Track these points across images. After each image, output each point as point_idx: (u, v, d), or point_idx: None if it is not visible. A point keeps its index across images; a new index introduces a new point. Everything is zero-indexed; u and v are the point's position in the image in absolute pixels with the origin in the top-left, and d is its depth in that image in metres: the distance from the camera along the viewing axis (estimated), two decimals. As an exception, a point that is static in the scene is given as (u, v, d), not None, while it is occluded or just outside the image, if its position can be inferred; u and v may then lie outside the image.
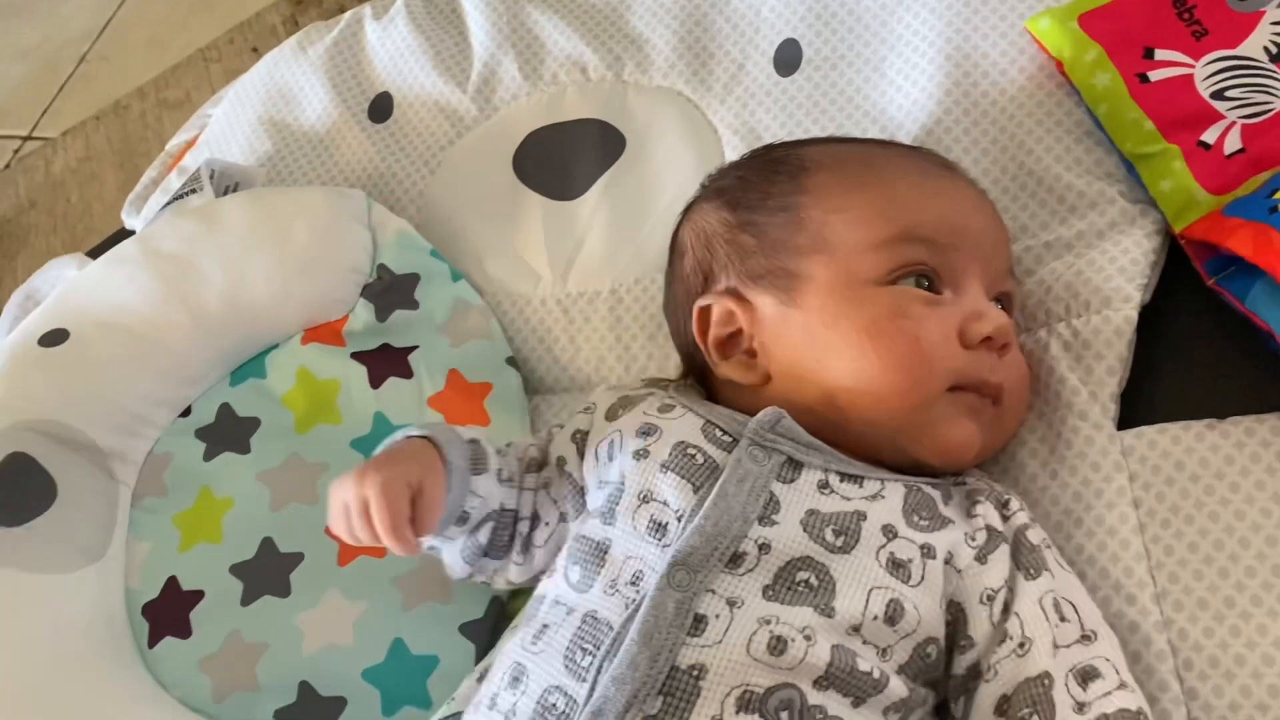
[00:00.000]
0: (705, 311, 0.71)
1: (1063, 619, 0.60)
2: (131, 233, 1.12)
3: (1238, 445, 0.66)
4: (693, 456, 0.62)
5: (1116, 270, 0.72)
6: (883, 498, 0.61)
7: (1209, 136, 0.73)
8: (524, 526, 0.71)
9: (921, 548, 0.60)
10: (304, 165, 1.07)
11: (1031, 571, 0.61)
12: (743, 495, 0.60)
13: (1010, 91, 0.82)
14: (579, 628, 0.58)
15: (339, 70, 1.10)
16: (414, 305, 0.90)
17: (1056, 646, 0.58)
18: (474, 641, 0.78)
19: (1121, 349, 0.70)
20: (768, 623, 0.55)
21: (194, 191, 0.97)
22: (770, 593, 0.57)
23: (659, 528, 0.60)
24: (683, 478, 0.61)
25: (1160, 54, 0.76)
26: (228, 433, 0.89)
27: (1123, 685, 0.58)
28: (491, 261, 0.95)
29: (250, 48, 1.49)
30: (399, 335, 0.90)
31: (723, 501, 0.59)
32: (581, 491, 0.70)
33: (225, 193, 0.98)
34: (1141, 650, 0.62)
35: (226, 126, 1.13)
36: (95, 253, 1.04)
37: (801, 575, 0.57)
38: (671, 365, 0.84)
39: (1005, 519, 0.64)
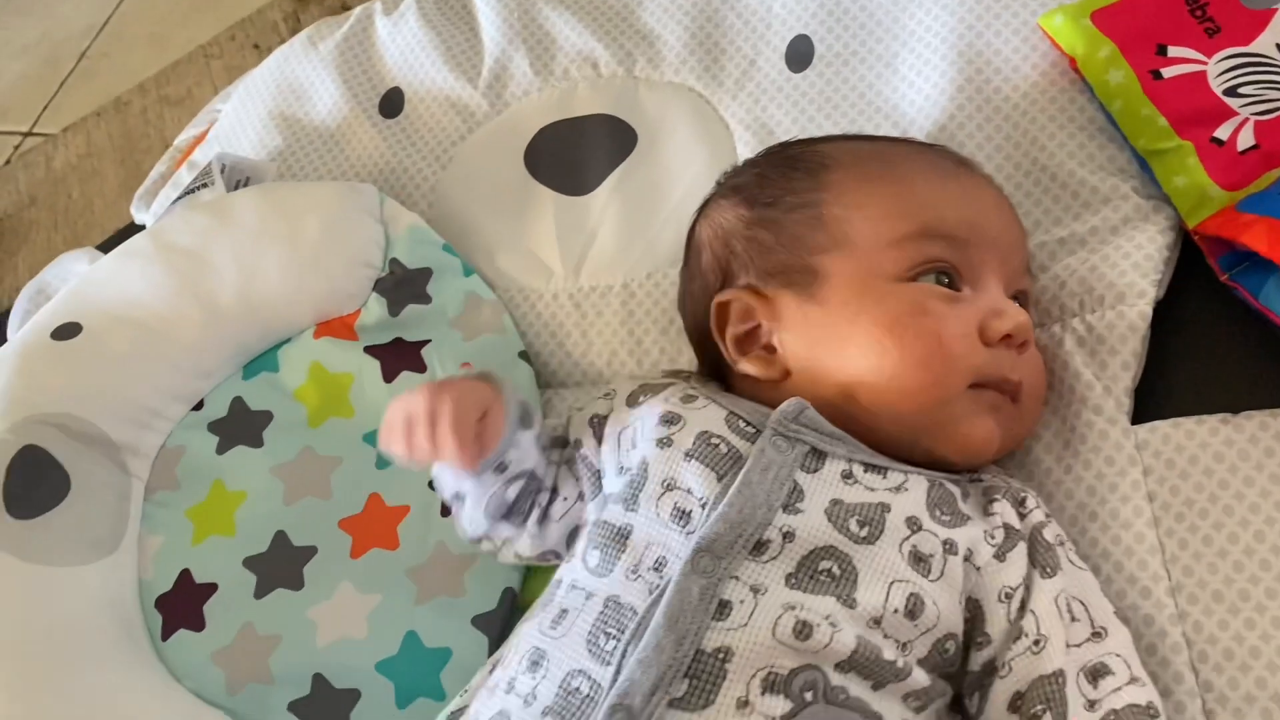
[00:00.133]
0: (724, 307, 0.71)
1: (1074, 618, 0.60)
2: (140, 227, 1.12)
3: (1252, 440, 0.66)
4: (716, 446, 0.63)
5: (1130, 266, 0.73)
6: (906, 490, 0.61)
7: (1222, 133, 0.73)
8: (543, 498, 0.72)
9: (944, 543, 0.60)
10: (315, 160, 1.07)
11: (1048, 570, 0.61)
12: (766, 483, 0.60)
13: (1023, 88, 0.82)
14: (601, 612, 0.58)
15: (349, 66, 1.10)
16: (426, 300, 0.90)
17: (1069, 645, 0.59)
18: (486, 634, 0.78)
19: (1135, 344, 0.71)
20: (793, 608, 0.55)
21: (205, 186, 0.97)
22: (793, 580, 0.57)
23: (683, 515, 0.60)
24: (706, 466, 0.62)
25: (1173, 51, 0.76)
26: (240, 426, 0.89)
27: (1134, 680, 0.58)
28: (503, 256, 0.95)
29: (251, 44, 1.49)
30: (412, 329, 0.90)
31: (747, 489, 0.60)
32: (597, 475, 0.70)
33: (236, 187, 0.98)
34: (1156, 643, 0.62)
35: (236, 121, 1.13)
36: (105, 247, 1.04)
37: (824, 564, 0.58)
38: (684, 360, 0.85)
39: (1022, 517, 0.64)
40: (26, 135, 1.68)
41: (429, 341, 0.89)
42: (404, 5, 1.12)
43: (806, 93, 0.91)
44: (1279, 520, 0.64)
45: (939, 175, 0.70)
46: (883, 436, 0.64)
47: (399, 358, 0.89)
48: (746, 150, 0.90)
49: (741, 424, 0.65)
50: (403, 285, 0.91)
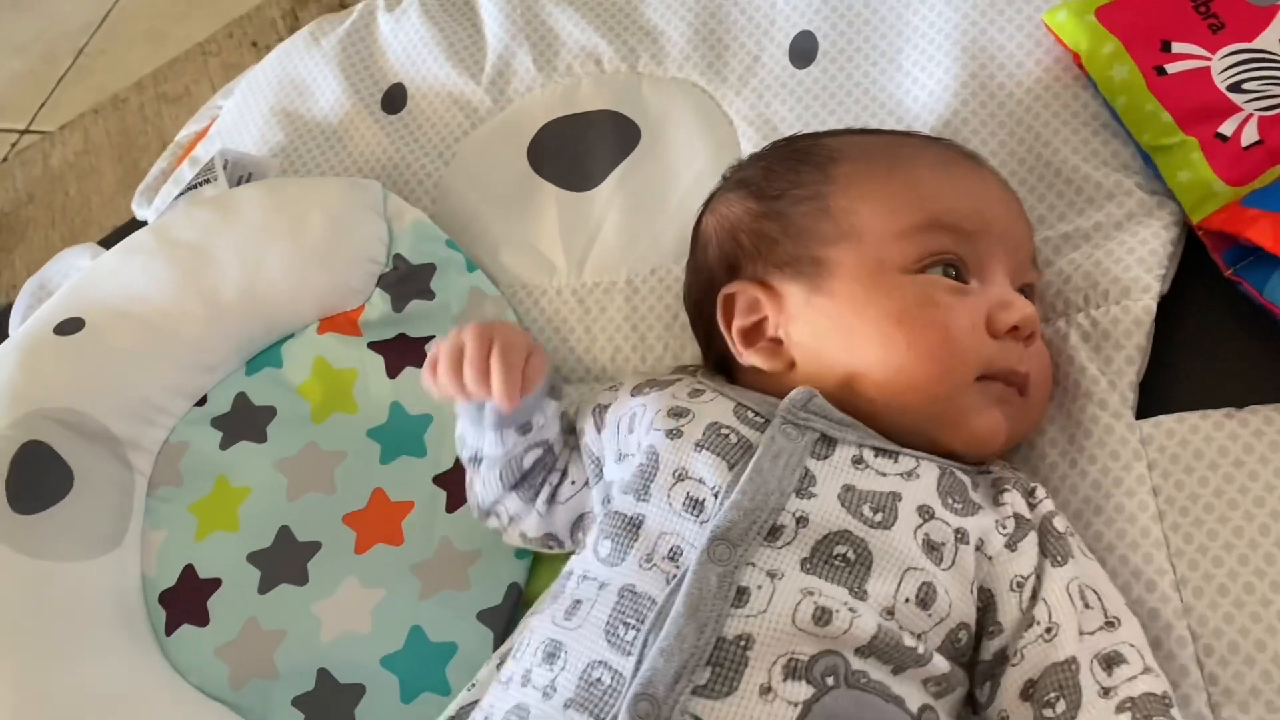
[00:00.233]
0: (730, 300, 0.71)
1: (1086, 606, 0.60)
2: (141, 224, 1.12)
3: (1256, 434, 0.66)
4: (726, 436, 0.63)
5: (1135, 261, 0.73)
6: (917, 476, 0.62)
7: (1226, 128, 0.73)
8: (554, 478, 0.74)
9: (956, 531, 0.60)
10: (317, 156, 1.06)
11: (1058, 558, 0.62)
12: (778, 470, 0.60)
13: (1027, 84, 0.82)
14: (618, 602, 0.58)
15: (352, 61, 1.10)
16: (430, 295, 0.90)
17: (1082, 633, 0.59)
18: (492, 628, 0.78)
19: (1140, 339, 0.71)
20: (811, 594, 0.56)
21: (208, 181, 0.96)
22: (808, 565, 0.57)
23: (696, 505, 0.61)
24: (718, 455, 0.62)
25: (1177, 47, 0.76)
26: (244, 422, 0.89)
27: (1147, 670, 0.58)
28: (507, 252, 0.95)
29: (250, 42, 1.48)
30: (415, 325, 0.90)
31: (758, 476, 0.60)
32: (597, 462, 0.72)
33: (239, 183, 0.98)
34: (1162, 636, 0.63)
35: (239, 117, 1.13)
36: (106, 244, 1.04)
37: (839, 549, 0.58)
38: (688, 355, 0.85)
39: (1032, 507, 0.64)
40: (23, 133, 1.68)
41: (433, 337, 0.89)
42: (406, 1, 1.11)
43: (810, 88, 0.92)
44: (1283, 514, 0.64)
45: (946, 168, 0.71)
46: (889, 428, 0.65)
47: (403, 353, 0.89)
48: (750, 146, 0.90)
49: (750, 414, 0.65)
50: (406, 281, 0.91)
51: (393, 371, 0.89)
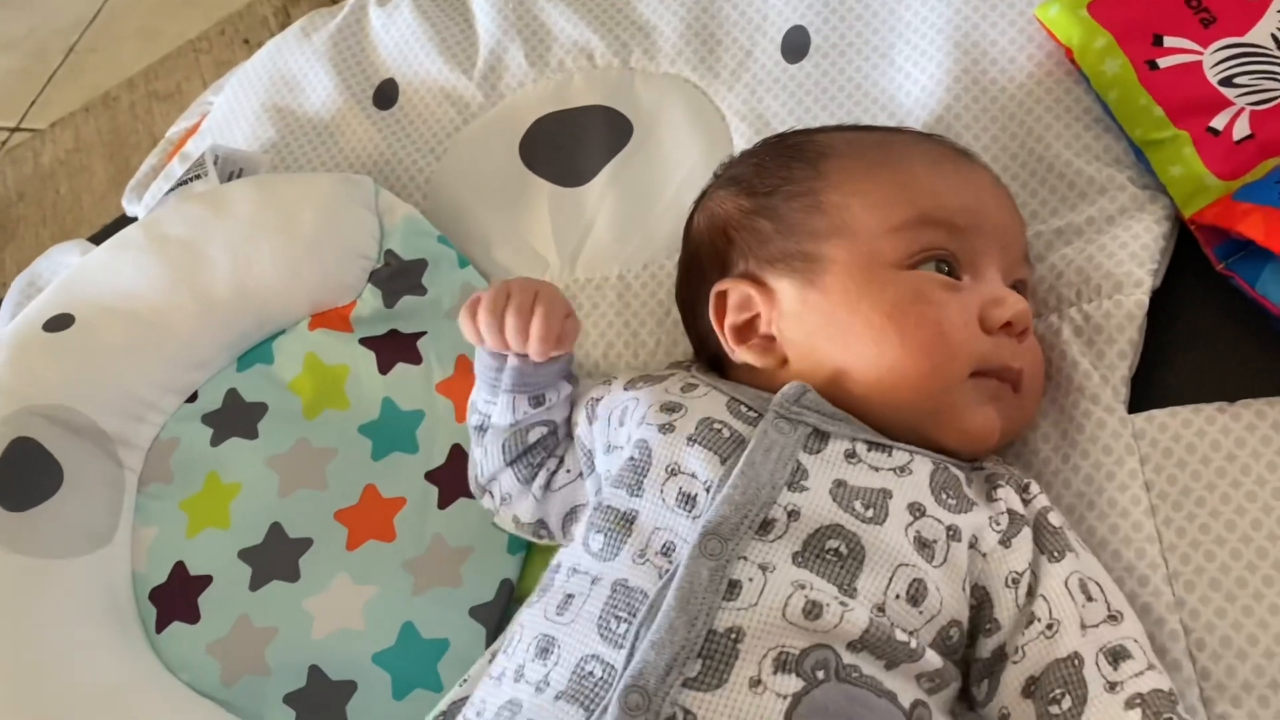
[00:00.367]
0: (722, 296, 0.71)
1: (1089, 599, 0.60)
2: (131, 220, 1.11)
3: (1248, 428, 0.66)
4: (719, 431, 0.63)
5: (1127, 255, 0.73)
6: (910, 472, 0.61)
7: (1218, 123, 0.73)
8: (553, 463, 0.75)
9: (948, 529, 0.60)
10: (308, 152, 1.06)
11: (1055, 554, 0.62)
12: (770, 464, 0.60)
13: (1019, 79, 0.82)
14: (610, 596, 0.58)
15: (343, 57, 1.10)
16: (422, 291, 0.90)
17: (1084, 626, 0.59)
18: (484, 624, 0.78)
19: (1133, 333, 0.71)
20: (802, 587, 0.56)
21: (198, 177, 0.96)
22: (800, 559, 0.57)
23: (688, 499, 0.60)
24: (709, 450, 0.62)
25: (1169, 41, 0.76)
26: (235, 418, 0.89)
27: (1151, 666, 0.58)
28: (499, 248, 0.95)
29: (241, 39, 1.48)
30: (407, 321, 0.90)
31: (750, 470, 0.60)
32: (589, 454, 0.73)
33: (230, 178, 0.98)
34: (1154, 631, 0.62)
35: (229, 113, 1.12)
36: (96, 240, 1.03)
37: (831, 543, 0.58)
38: (680, 351, 0.85)
39: (1026, 502, 0.64)
40: (14, 131, 1.67)
41: (424, 333, 0.89)
42: (397, -4, 1.11)
43: (803, 84, 0.91)
44: (1275, 508, 0.64)
45: (938, 163, 0.70)
46: (882, 425, 0.64)
47: (394, 349, 0.89)
48: (742, 141, 0.90)
49: (743, 409, 0.65)
50: (398, 277, 0.91)
51: (384, 367, 0.88)
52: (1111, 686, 0.57)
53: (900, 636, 0.56)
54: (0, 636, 0.75)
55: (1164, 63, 0.76)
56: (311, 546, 0.82)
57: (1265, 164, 0.72)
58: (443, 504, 0.83)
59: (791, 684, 0.53)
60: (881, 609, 0.57)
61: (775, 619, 0.55)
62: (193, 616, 0.81)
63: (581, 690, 0.55)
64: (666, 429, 0.64)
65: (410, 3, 1.09)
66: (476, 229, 0.96)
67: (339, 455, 0.86)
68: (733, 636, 0.54)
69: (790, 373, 0.68)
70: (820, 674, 0.54)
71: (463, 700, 0.66)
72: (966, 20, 0.85)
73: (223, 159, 0.98)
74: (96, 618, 0.79)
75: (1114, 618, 0.60)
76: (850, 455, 0.62)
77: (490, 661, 0.66)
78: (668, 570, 0.58)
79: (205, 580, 0.82)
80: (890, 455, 0.62)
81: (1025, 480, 0.66)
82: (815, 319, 0.67)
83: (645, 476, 0.63)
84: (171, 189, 0.98)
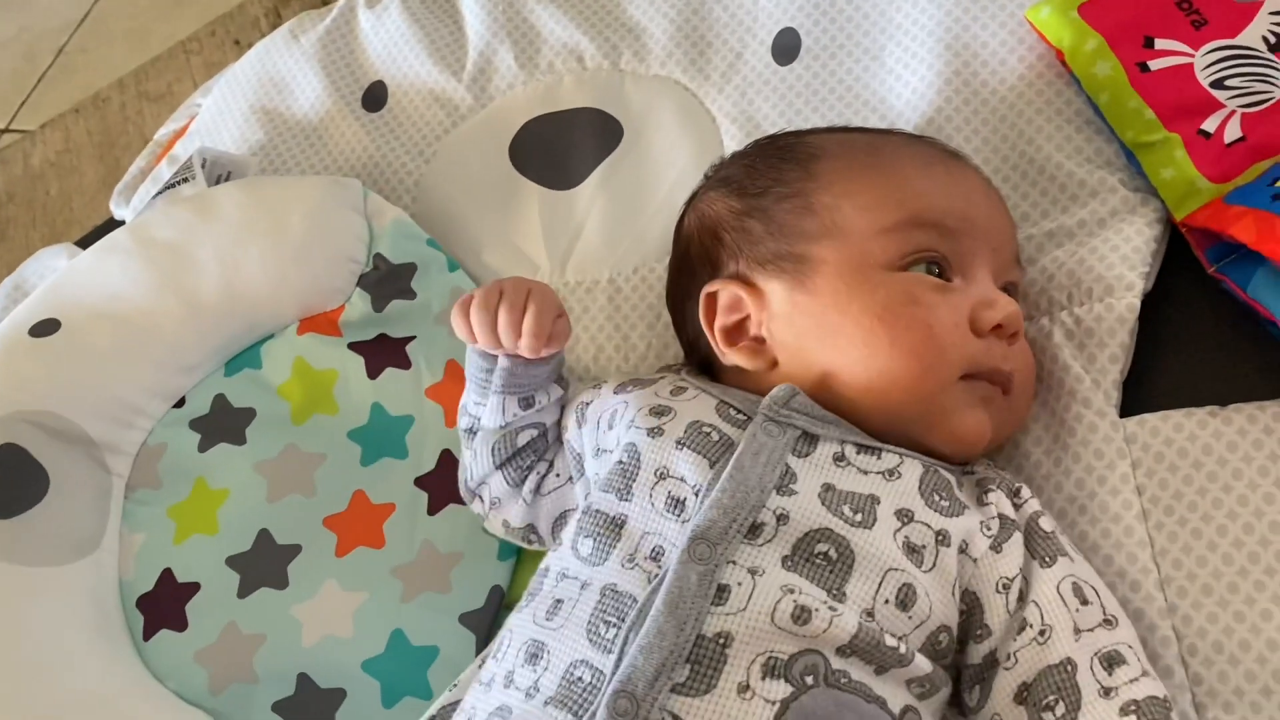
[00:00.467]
0: (712, 298, 0.71)
1: (1084, 602, 0.60)
2: (120, 223, 1.11)
3: (1240, 432, 0.66)
4: (708, 434, 0.63)
5: (1119, 258, 0.73)
6: (899, 475, 0.61)
7: (1209, 125, 0.73)
8: (542, 467, 0.75)
9: (937, 534, 0.60)
10: (297, 154, 1.06)
11: (1047, 559, 0.61)
12: (758, 468, 0.60)
13: (1010, 81, 0.82)
14: (599, 601, 0.58)
15: (332, 59, 1.09)
16: (411, 295, 0.89)
17: (1078, 630, 0.59)
18: (474, 631, 0.78)
19: (1124, 337, 0.71)
20: (791, 591, 0.55)
21: (186, 180, 0.96)
22: (789, 563, 0.57)
23: (677, 504, 0.60)
24: (698, 453, 0.62)
25: (1160, 43, 0.76)
26: (223, 423, 0.88)
27: (1145, 673, 0.58)
28: (489, 251, 0.94)
29: (232, 40, 1.47)
30: (396, 325, 0.89)
31: (739, 474, 0.60)
32: (579, 458, 0.72)
33: (218, 181, 0.97)
34: (1146, 636, 0.62)
35: (217, 115, 1.12)
36: (84, 243, 1.03)
37: (821, 547, 0.57)
38: (671, 355, 0.84)
39: (1017, 507, 0.64)
40: (4, 132, 1.67)
41: (414, 338, 0.89)
42: (387, -2, 1.11)
43: (793, 86, 0.91)
44: (1267, 513, 0.64)
45: (929, 165, 0.70)
46: (873, 427, 0.64)
47: (383, 354, 0.88)
48: (733, 143, 0.90)
49: (732, 412, 0.65)
50: (387, 280, 0.90)
51: (373, 372, 0.88)
52: (1106, 692, 0.56)
53: (889, 642, 0.56)
54: (-15, 645, 0.75)
55: (1155, 65, 0.75)
56: (300, 553, 0.82)
57: (1257, 166, 0.71)
58: (432, 510, 0.82)
59: (780, 689, 0.53)
60: (870, 614, 0.56)
61: (764, 624, 0.54)
62: (180, 624, 0.80)
63: (570, 696, 0.55)
64: (655, 433, 0.64)
65: (399, 5, 1.09)
66: (466, 232, 0.96)
67: (328, 461, 0.85)
68: (721, 641, 0.54)
69: (780, 375, 0.68)
70: (809, 679, 0.53)
71: (453, 705, 0.66)
72: (957, 22, 0.85)
73: (211, 162, 0.98)
74: (83, 626, 0.78)
75: (1109, 622, 0.60)
76: (839, 458, 0.61)
77: (480, 667, 0.66)
78: (657, 575, 0.57)
79: (193, 587, 0.82)
80: (879, 458, 0.62)
81: (1016, 484, 0.66)
82: (805, 321, 0.67)
83: (634, 480, 0.62)
84: (159, 192, 0.98)
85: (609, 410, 0.70)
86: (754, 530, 0.58)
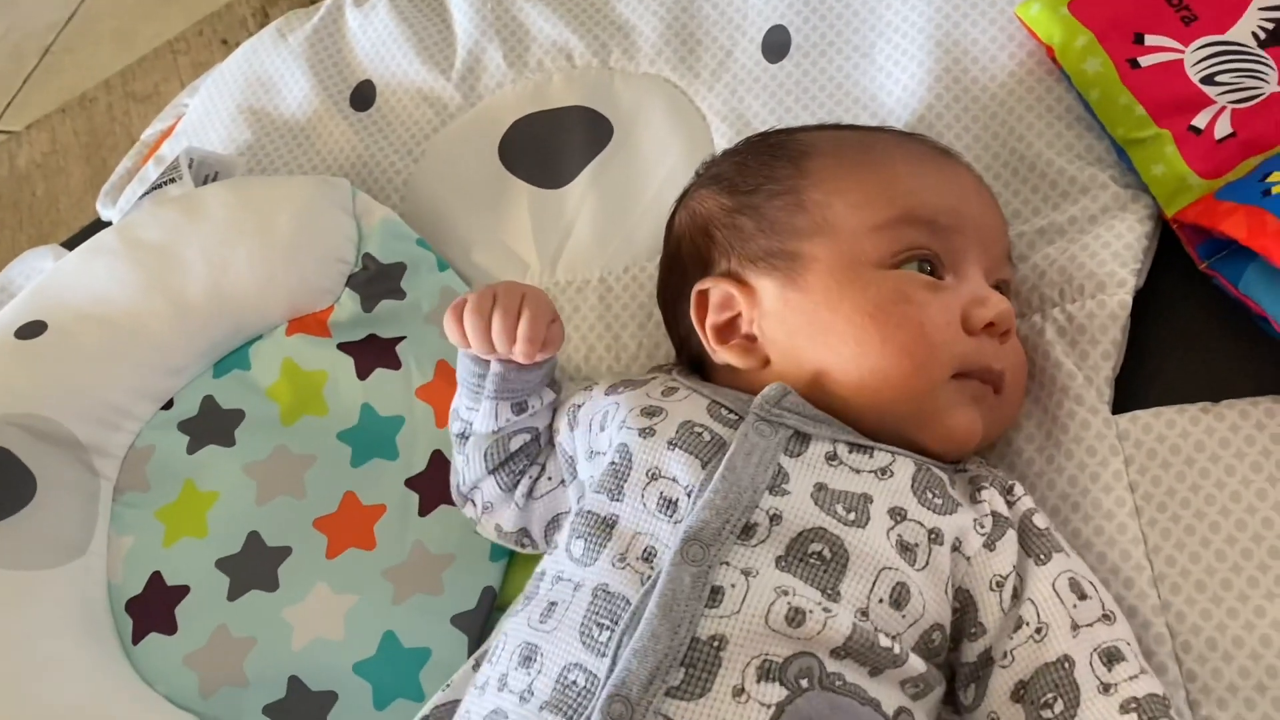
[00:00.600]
0: (703, 295, 0.71)
1: (1083, 596, 0.60)
2: (107, 224, 1.10)
3: (1232, 428, 0.66)
4: (699, 434, 0.62)
5: (1110, 255, 0.72)
6: (891, 474, 0.61)
7: (1200, 121, 0.73)
8: (534, 471, 0.75)
9: (930, 532, 0.60)
10: (285, 154, 1.05)
11: (1042, 556, 0.61)
12: (751, 468, 0.60)
13: (1001, 78, 0.82)
14: (591, 603, 0.58)
15: (319, 58, 1.09)
16: (401, 295, 0.89)
17: (1076, 626, 0.59)
18: (466, 633, 0.77)
19: (1116, 333, 0.71)
20: (785, 593, 0.55)
21: (173, 181, 0.95)
22: (783, 563, 0.57)
23: (669, 504, 0.60)
24: (690, 454, 0.61)
25: (1150, 39, 0.76)
26: (212, 425, 0.88)
27: (1144, 670, 0.58)
28: (478, 250, 0.94)
29: (220, 40, 1.47)
30: (386, 325, 0.89)
31: (731, 474, 0.59)
32: (571, 461, 0.72)
33: (205, 182, 0.97)
34: (1140, 634, 0.62)
35: (204, 115, 1.11)
36: (71, 245, 1.02)
37: (814, 547, 0.57)
38: (662, 354, 0.84)
39: (1010, 504, 0.64)
40: (-10, 132, 1.66)
41: (404, 338, 0.88)
42: (374, -4, 1.10)
43: (783, 83, 0.91)
44: (1259, 509, 0.64)
45: (920, 162, 0.70)
46: (864, 426, 0.64)
47: (373, 354, 0.88)
48: (723, 141, 0.90)
49: (724, 411, 0.64)
50: (376, 280, 0.90)
51: (363, 373, 0.88)
52: (1105, 689, 0.56)
53: (884, 642, 0.55)
54: (-27, 650, 0.74)
55: (1145, 61, 0.75)
56: (290, 555, 0.81)
57: (1247, 162, 0.71)
58: (423, 511, 0.82)
59: (775, 693, 0.53)
60: (865, 613, 0.56)
61: (758, 626, 0.54)
62: (170, 627, 0.80)
63: (565, 700, 0.55)
64: (647, 433, 0.64)
65: (387, 3, 1.08)
66: (456, 231, 0.95)
67: (318, 462, 0.85)
68: (715, 644, 0.54)
69: (772, 373, 0.67)
70: (804, 682, 0.53)
71: (445, 705, 0.66)
72: (947, 19, 0.84)
73: (198, 162, 0.97)
74: (72, 630, 0.78)
75: (1108, 618, 0.60)
76: (831, 457, 0.61)
77: (475, 669, 0.66)
78: (649, 576, 0.57)
79: (182, 590, 0.81)
80: (871, 457, 0.62)
81: (1009, 482, 0.66)
82: (797, 318, 0.67)
83: (626, 481, 0.62)
84: (146, 193, 0.97)
85: (600, 412, 0.69)
86: (747, 531, 0.58)
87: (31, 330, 0.87)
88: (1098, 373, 0.70)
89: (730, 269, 0.70)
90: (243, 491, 0.84)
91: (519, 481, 0.75)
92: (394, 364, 0.87)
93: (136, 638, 0.80)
